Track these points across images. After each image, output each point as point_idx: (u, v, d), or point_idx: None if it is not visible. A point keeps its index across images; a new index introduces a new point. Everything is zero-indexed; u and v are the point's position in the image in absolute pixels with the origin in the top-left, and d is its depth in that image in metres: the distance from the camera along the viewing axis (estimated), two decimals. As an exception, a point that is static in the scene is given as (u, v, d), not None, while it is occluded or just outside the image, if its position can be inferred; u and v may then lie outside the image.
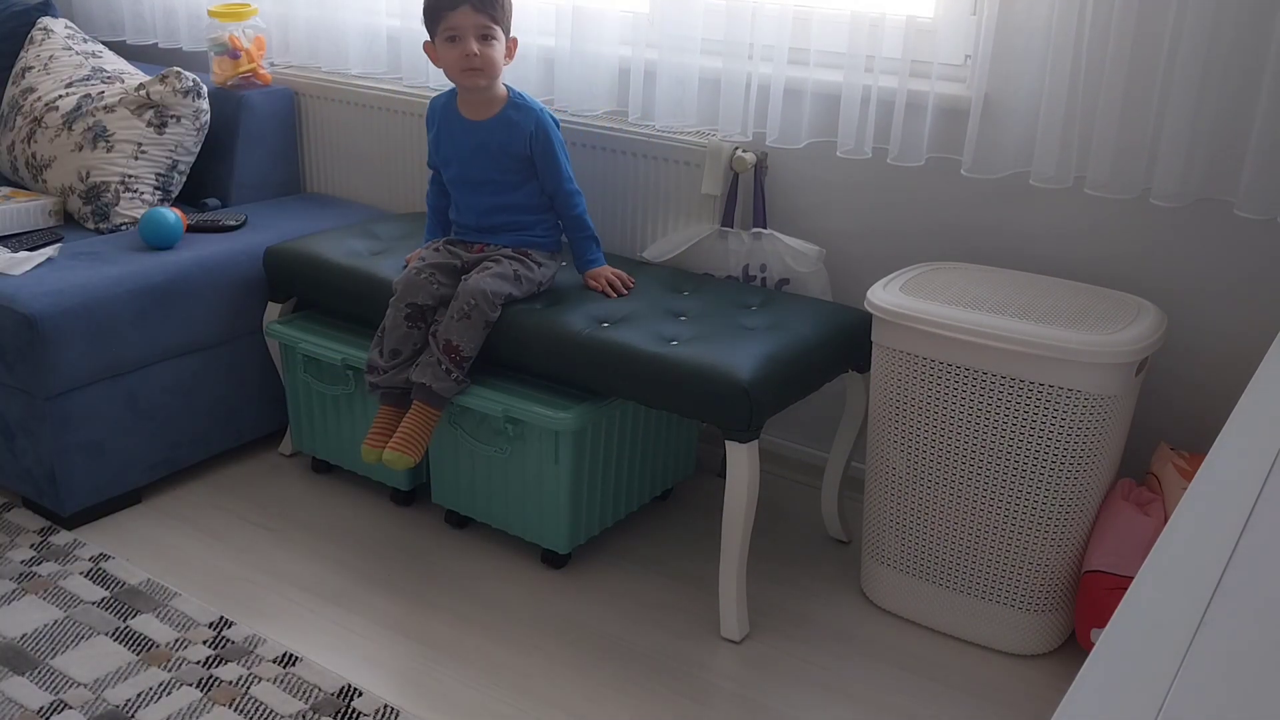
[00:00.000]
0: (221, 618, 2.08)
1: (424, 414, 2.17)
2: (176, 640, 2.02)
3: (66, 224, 2.66)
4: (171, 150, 2.69)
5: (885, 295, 2.01)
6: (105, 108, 2.67)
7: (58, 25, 2.98)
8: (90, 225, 2.63)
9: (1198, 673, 0.73)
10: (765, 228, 2.42)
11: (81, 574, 2.19)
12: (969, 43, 2.19)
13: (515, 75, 2.64)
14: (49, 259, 2.37)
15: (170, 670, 1.94)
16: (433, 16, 2.20)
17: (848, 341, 2.16)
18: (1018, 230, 2.24)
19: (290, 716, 1.84)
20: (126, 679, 1.92)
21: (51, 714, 1.83)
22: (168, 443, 2.46)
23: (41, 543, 2.29)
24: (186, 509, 2.45)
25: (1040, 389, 1.87)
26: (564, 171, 2.26)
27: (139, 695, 1.88)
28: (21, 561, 2.22)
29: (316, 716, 1.84)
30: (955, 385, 1.95)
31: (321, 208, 2.88)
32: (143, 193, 2.66)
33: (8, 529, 2.34)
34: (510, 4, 2.24)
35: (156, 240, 2.46)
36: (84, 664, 1.95)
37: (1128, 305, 1.98)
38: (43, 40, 2.93)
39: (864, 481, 2.15)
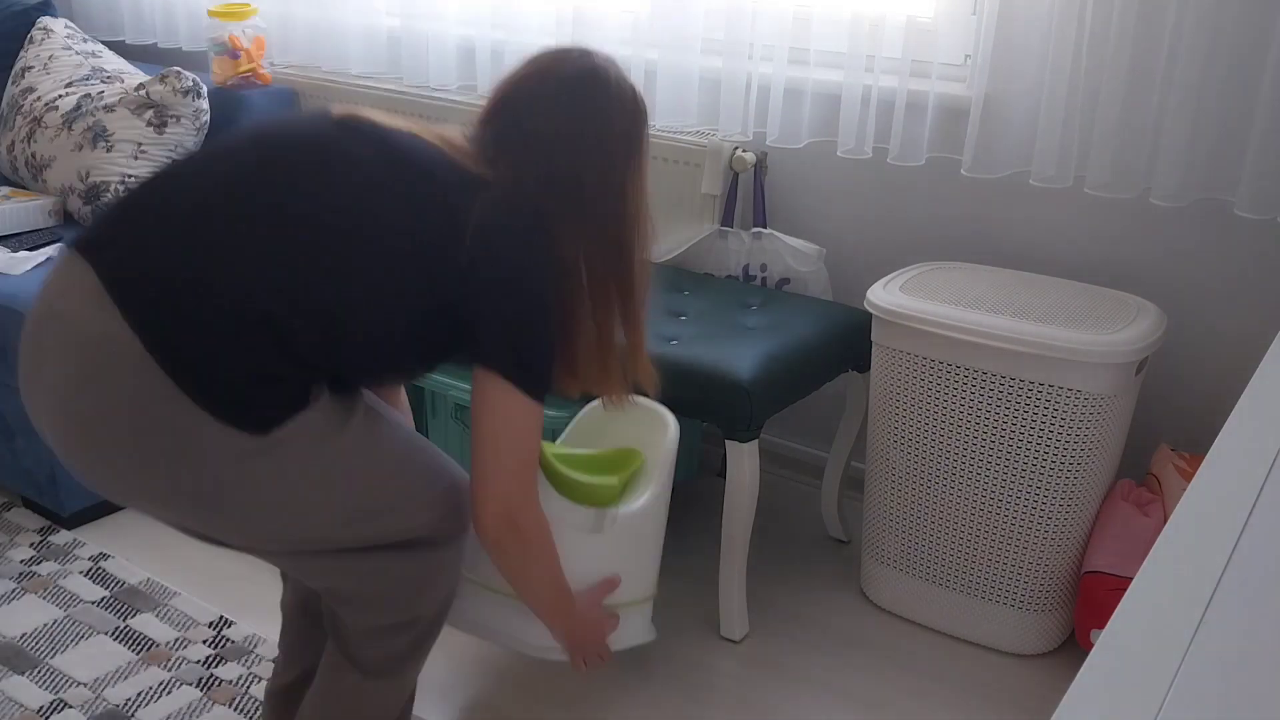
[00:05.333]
0: (221, 617, 2.08)
1: None
2: (176, 640, 2.02)
3: (66, 224, 2.66)
4: (171, 150, 2.69)
5: (885, 295, 2.01)
6: (105, 108, 2.67)
7: (57, 25, 2.98)
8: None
9: (1198, 673, 0.73)
10: (765, 227, 2.42)
11: (81, 573, 2.19)
12: (969, 43, 2.19)
13: (515, 75, 2.64)
14: (49, 259, 2.37)
15: (170, 670, 1.94)
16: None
17: (848, 341, 2.16)
18: (1018, 230, 2.24)
19: (290, 716, 1.84)
20: (126, 678, 1.92)
21: (51, 713, 1.83)
22: (168, 442, 2.45)
23: (41, 542, 2.29)
24: (186, 509, 2.44)
25: (1040, 389, 1.87)
26: None
27: (139, 695, 1.88)
28: (21, 561, 2.22)
29: (316, 716, 1.84)
30: (955, 385, 1.95)
31: (321, 207, 2.88)
32: (143, 192, 2.66)
33: (8, 529, 2.34)
34: None
35: (156, 240, 2.45)
36: (84, 663, 1.95)
37: (1128, 305, 1.98)
38: (42, 40, 2.93)
39: (864, 481, 2.15)
